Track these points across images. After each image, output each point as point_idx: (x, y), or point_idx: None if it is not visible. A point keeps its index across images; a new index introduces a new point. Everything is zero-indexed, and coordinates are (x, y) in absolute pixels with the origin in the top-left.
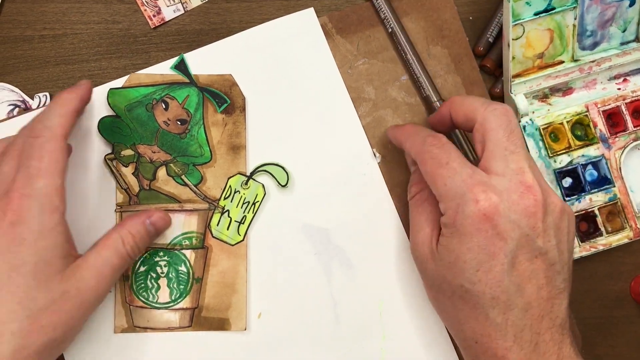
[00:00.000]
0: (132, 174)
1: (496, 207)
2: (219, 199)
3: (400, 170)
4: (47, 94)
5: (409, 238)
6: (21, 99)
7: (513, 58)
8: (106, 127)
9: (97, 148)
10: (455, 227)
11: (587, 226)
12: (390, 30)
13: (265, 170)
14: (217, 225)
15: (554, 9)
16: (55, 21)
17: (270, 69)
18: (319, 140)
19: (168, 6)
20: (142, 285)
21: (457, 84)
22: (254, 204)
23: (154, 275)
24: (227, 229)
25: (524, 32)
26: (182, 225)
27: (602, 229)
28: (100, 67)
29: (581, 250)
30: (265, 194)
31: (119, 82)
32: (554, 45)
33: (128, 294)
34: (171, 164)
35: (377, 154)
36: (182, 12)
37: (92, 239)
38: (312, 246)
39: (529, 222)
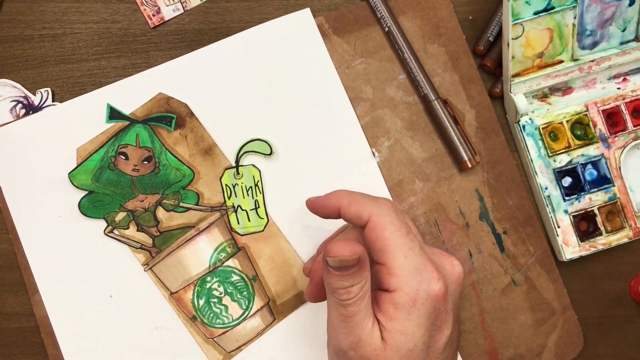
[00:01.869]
0: (137, 231)
1: (447, 284)
2: (225, 202)
3: (399, 170)
4: (49, 89)
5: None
6: (23, 94)
7: (512, 57)
8: (88, 208)
9: (87, 227)
10: (415, 307)
11: (586, 226)
12: (386, 29)
13: (247, 151)
14: (239, 223)
15: (553, 8)
16: (54, 20)
17: (268, 70)
18: (318, 141)
19: (167, 5)
20: (211, 314)
21: (454, 82)
22: (256, 185)
23: (215, 300)
24: (249, 220)
25: (523, 31)
26: (209, 243)
27: (602, 228)
28: (100, 66)
29: (581, 249)
30: (260, 171)
31: (72, 164)
32: (554, 44)
33: (205, 330)
34: (164, 201)
35: (376, 154)
36: (182, 11)
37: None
38: (312, 247)
39: (459, 288)
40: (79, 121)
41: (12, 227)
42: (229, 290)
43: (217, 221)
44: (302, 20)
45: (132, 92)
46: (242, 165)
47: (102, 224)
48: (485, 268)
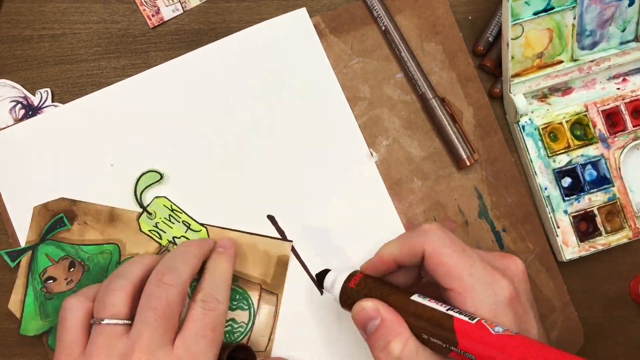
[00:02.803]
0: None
1: (515, 284)
2: (161, 245)
3: (398, 169)
4: (49, 90)
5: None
6: (23, 95)
7: (512, 58)
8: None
9: None
10: (498, 320)
11: (586, 226)
12: (383, 28)
13: (143, 190)
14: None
15: (553, 8)
16: (54, 21)
17: (264, 70)
18: (315, 141)
19: (167, 6)
20: (227, 334)
21: (452, 80)
22: (172, 210)
23: None
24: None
25: (523, 31)
26: None
27: (602, 228)
28: (99, 67)
29: (580, 250)
30: (166, 197)
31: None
32: (553, 44)
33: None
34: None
35: (374, 153)
36: (181, 11)
37: None
38: (312, 247)
39: (526, 286)
40: (79, 124)
41: (12, 233)
42: None
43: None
44: (298, 20)
45: (131, 94)
46: (148, 205)
47: None
48: None
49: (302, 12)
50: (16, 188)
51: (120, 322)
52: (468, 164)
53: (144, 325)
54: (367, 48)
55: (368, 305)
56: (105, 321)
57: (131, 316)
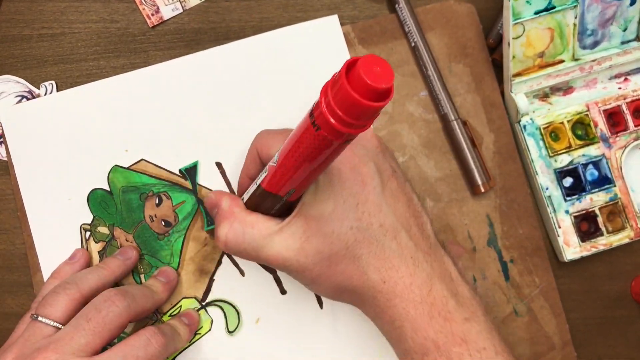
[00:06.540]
0: (99, 252)
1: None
2: (164, 313)
3: (414, 182)
4: (53, 82)
5: None
6: (27, 89)
7: (513, 57)
8: (95, 199)
9: (77, 211)
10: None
11: (587, 226)
12: (413, 44)
13: (219, 306)
14: None
15: (554, 7)
16: (53, 20)
17: (285, 73)
18: None
19: (166, 5)
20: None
21: (476, 104)
22: (195, 333)
23: None
24: None
25: (524, 31)
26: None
27: (603, 228)
28: (99, 66)
29: (582, 250)
30: (210, 330)
31: (125, 162)
32: (555, 44)
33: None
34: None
35: None
36: (181, 11)
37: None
38: None
39: (373, 143)
40: (93, 105)
41: (21, 206)
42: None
43: (142, 321)
44: (329, 27)
45: (145, 83)
46: (206, 310)
47: (89, 217)
48: (488, 295)
49: (333, 19)
50: (29, 163)
51: (51, 322)
52: (483, 190)
53: (71, 329)
54: (394, 62)
55: (210, 195)
56: (40, 318)
57: (66, 322)
